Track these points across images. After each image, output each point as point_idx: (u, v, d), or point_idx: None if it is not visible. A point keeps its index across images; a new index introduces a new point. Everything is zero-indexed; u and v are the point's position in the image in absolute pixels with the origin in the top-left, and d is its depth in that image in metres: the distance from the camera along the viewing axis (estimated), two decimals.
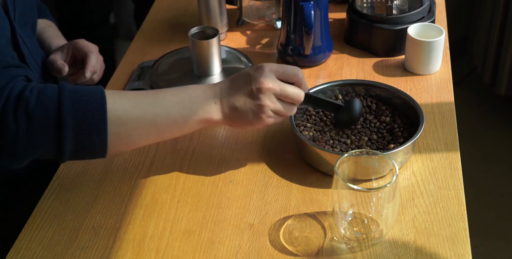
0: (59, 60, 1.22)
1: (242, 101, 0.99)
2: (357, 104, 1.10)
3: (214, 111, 0.99)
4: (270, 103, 0.98)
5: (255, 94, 0.98)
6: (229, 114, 0.99)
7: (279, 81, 0.99)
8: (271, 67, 0.99)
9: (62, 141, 0.89)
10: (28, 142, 0.89)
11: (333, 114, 1.13)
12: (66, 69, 1.21)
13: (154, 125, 0.96)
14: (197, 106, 0.98)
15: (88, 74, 1.21)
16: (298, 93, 1.00)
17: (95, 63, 1.23)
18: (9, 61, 0.99)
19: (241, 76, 1.00)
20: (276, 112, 1.00)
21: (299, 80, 1.02)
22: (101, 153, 0.93)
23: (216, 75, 1.28)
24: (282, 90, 0.99)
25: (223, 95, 0.99)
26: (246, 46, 1.44)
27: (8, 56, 1.02)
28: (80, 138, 0.90)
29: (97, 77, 1.25)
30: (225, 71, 1.29)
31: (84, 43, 1.25)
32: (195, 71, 1.29)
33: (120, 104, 0.93)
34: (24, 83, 0.92)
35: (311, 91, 1.15)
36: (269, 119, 1.00)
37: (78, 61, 1.25)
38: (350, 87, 1.19)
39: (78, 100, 0.90)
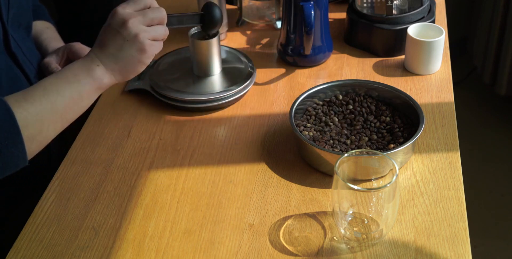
0: (53, 64, 1.21)
1: (118, 48, 0.99)
2: (216, 10, 1.14)
3: (101, 74, 0.99)
4: (142, 31, 0.99)
5: (123, 32, 0.98)
6: (115, 67, 1.00)
7: (137, 11, 1.00)
8: (123, 7, 1.00)
9: None
10: None
11: (200, 25, 1.16)
12: None
13: (56, 112, 0.96)
14: (83, 76, 0.98)
15: None
16: (159, 10, 1.02)
17: None
18: None
19: (104, 32, 1.00)
20: (154, 39, 1.01)
21: (153, 4, 1.03)
22: (22, 162, 0.94)
23: (216, 75, 1.28)
24: (144, 15, 1.00)
25: (100, 56, 0.99)
26: (246, 46, 1.44)
27: None
28: (0, 158, 0.91)
29: None
30: (225, 71, 1.29)
31: (79, 47, 1.24)
32: (195, 71, 1.29)
33: (20, 106, 0.93)
34: None
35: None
36: (152, 48, 1.00)
37: None
38: (350, 87, 1.19)
39: None
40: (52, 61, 1.21)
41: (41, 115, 0.95)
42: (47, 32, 1.31)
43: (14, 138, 0.91)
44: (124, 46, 0.99)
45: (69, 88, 0.97)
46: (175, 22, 1.11)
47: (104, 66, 0.99)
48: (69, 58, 1.24)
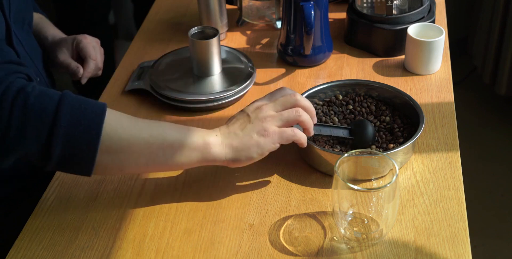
0: (72, 62, 1.23)
1: (242, 127, 0.98)
2: (369, 130, 1.08)
3: (214, 142, 0.96)
4: (270, 117, 0.98)
5: (252, 115, 0.98)
6: (231, 143, 0.97)
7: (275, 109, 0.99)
8: (263, 102, 1.00)
9: (51, 142, 0.87)
10: (18, 136, 0.86)
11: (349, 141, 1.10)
12: (80, 71, 1.23)
13: (149, 145, 0.93)
14: (196, 135, 0.96)
15: (84, 81, 1.26)
16: (297, 112, 0.98)
17: (92, 69, 1.28)
18: (11, 57, 0.99)
19: (236, 115, 1.01)
20: (281, 126, 0.98)
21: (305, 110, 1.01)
22: (87, 166, 0.90)
23: (216, 75, 1.28)
24: (281, 115, 0.98)
25: (223, 130, 0.98)
26: (246, 46, 1.44)
27: (8, 52, 1.02)
28: (70, 143, 0.88)
29: (100, 72, 1.32)
30: (225, 71, 1.29)
31: (86, 42, 1.27)
32: (195, 71, 1.29)
33: (119, 119, 0.92)
34: (25, 81, 0.91)
35: (306, 93, 1.16)
36: (274, 136, 0.97)
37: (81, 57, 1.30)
38: (350, 87, 1.19)
39: (78, 106, 0.89)
40: (69, 60, 1.25)
41: (132, 139, 0.92)
42: (42, 22, 1.34)
43: (93, 136, 0.88)
44: (247, 126, 0.97)
45: (176, 135, 0.95)
46: (324, 131, 1.07)
47: (221, 138, 0.97)
48: (79, 55, 1.26)
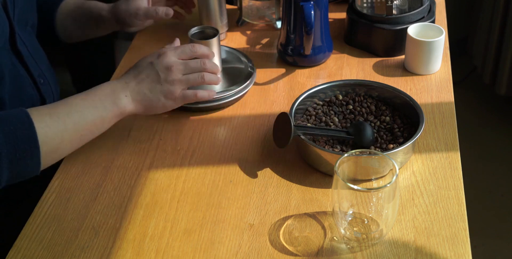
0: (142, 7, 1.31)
1: (151, 88, 1.07)
2: (367, 132, 1.09)
3: (127, 103, 1.06)
4: (178, 81, 1.07)
5: (162, 76, 1.06)
6: (141, 102, 1.07)
7: (181, 60, 1.10)
8: (173, 52, 1.09)
9: None
10: None
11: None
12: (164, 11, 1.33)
13: (76, 132, 1.01)
14: (109, 103, 1.04)
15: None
16: (200, 62, 1.10)
17: None
18: None
19: (145, 66, 1.08)
20: (188, 86, 1.10)
21: (199, 54, 1.12)
22: (34, 173, 0.98)
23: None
24: (186, 65, 1.08)
25: (132, 88, 1.06)
26: (246, 46, 1.44)
27: None
28: (14, 165, 0.94)
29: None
30: (225, 71, 1.29)
31: None
32: None
33: (43, 121, 0.97)
34: None
35: (310, 91, 1.16)
36: (179, 100, 1.09)
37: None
38: (350, 87, 1.19)
39: (6, 128, 0.93)
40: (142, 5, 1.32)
41: (62, 134, 0.99)
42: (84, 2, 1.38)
43: (33, 151, 0.95)
44: (156, 88, 1.07)
45: (93, 112, 1.03)
46: (322, 132, 1.09)
47: (131, 97, 1.06)
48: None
